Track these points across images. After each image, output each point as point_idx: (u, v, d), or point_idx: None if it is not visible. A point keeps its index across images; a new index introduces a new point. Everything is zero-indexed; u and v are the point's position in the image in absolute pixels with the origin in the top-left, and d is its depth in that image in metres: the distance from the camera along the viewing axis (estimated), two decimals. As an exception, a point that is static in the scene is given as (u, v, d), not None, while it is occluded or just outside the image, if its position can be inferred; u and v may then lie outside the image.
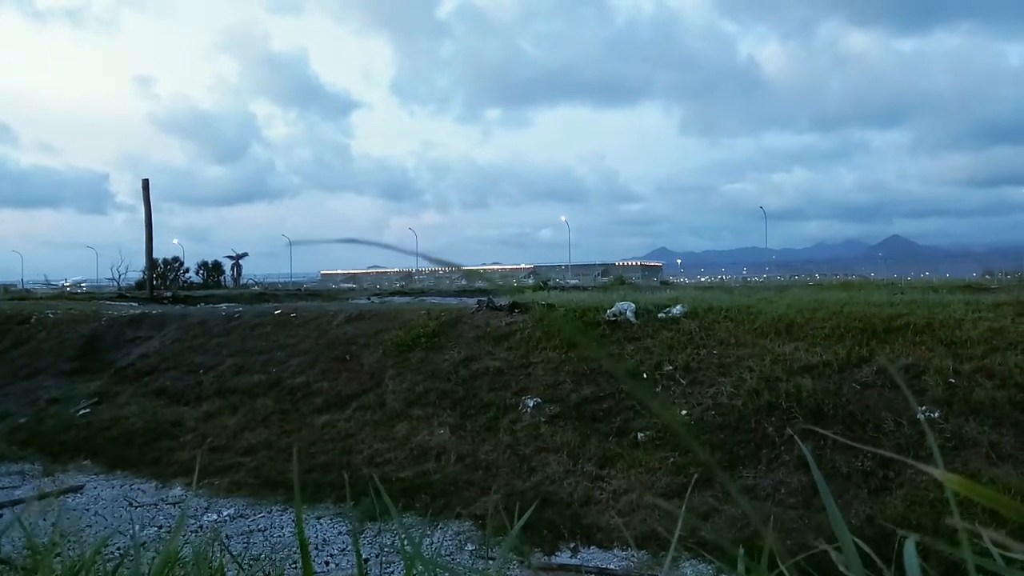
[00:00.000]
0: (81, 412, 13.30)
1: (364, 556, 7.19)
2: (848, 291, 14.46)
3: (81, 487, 10.25)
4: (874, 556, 0.68)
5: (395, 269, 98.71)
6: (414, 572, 0.95)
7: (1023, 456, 7.47)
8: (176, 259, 54.80)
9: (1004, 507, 0.49)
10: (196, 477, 9.86)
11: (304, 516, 8.57)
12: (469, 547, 7.77)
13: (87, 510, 9.35)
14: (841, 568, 0.63)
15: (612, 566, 7.20)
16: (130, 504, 9.49)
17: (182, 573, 1.52)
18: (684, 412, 9.23)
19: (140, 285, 36.40)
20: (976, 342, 9.17)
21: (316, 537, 8.09)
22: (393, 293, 30.72)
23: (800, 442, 8.10)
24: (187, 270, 55.11)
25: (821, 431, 7.85)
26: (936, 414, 8.10)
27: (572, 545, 7.65)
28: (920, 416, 8.12)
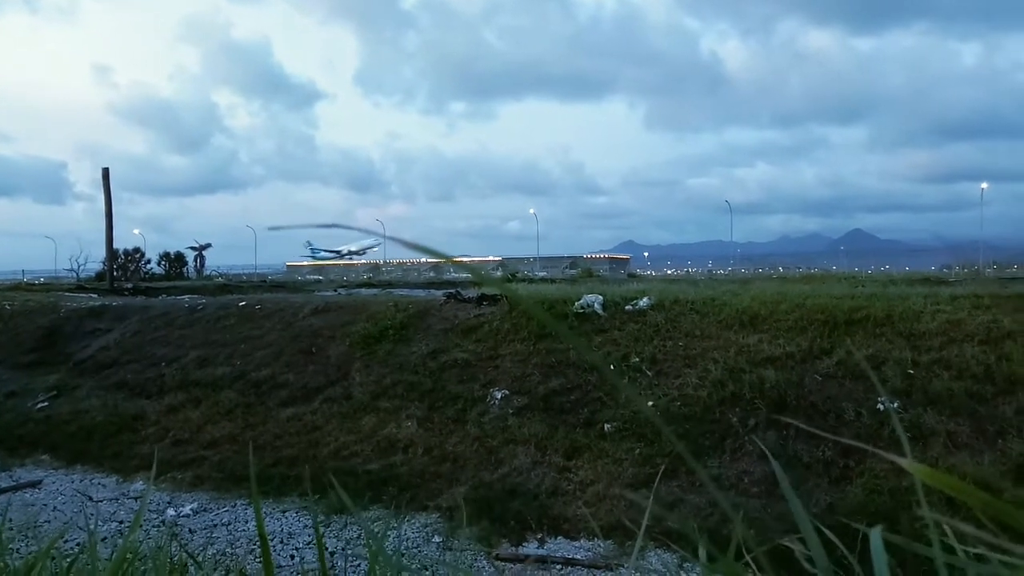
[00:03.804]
0: (39, 406, 13.01)
1: (330, 549, 7.15)
2: (810, 284, 14.69)
3: (39, 482, 10.04)
4: (842, 547, 0.69)
5: (362, 261, 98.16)
6: (377, 565, 0.94)
7: (979, 445, 7.66)
8: (137, 250, 53.79)
9: (967, 495, 0.50)
10: (154, 471, 9.71)
11: (270, 510, 8.49)
12: (436, 539, 7.76)
13: (45, 505, 9.16)
14: (807, 565, 0.63)
15: (579, 556, 7.25)
16: (89, 499, 9.32)
17: (142, 568, 1.49)
18: (650, 403, 9.31)
19: (100, 276, 35.65)
20: (934, 334, 9.38)
21: (282, 530, 8.02)
22: (360, 285, 30.50)
23: (762, 435, 8.22)
24: (148, 261, 54.11)
25: (790, 420, 7.98)
26: (895, 404, 8.28)
27: (539, 536, 7.68)
28: (881, 406, 8.29)
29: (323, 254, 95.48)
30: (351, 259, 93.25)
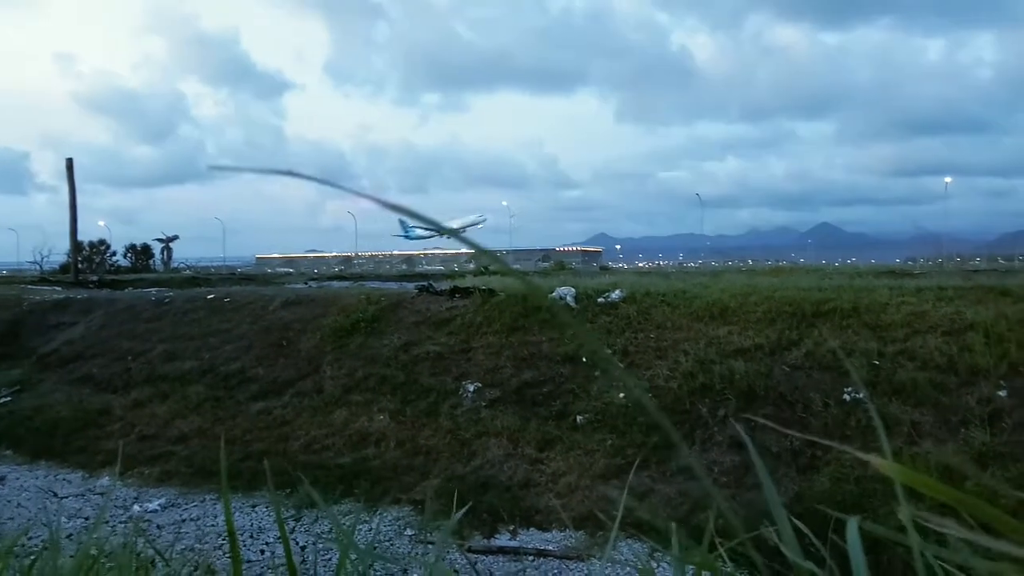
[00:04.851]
0: (2, 400, 12.74)
1: (301, 544, 7.10)
2: (779, 276, 14.88)
3: (2, 478, 9.84)
4: (812, 537, 0.69)
5: (333, 253, 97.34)
6: (348, 560, 0.93)
7: (942, 435, 7.82)
8: (102, 242, 52.70)
9: (940, 493, 0.50)
10: (119, 465, 9.57)
11: (239, 504, 8.41)
12: (408, 532, 7.75)
13: (8, 502, 8.99)
14: (785, 552, 0.63)
15: (551, 547, 7.29)
16: (54, 495, 9.16)
17: (108, 565, 1.46)
18: (622, 395, 9.37)
19: (64, 269, 34.95)
20: (899, 325, 9.54)
21: (252, 525, 7.95)
22: (331, 278, 30.30)
23: (731, 426, 8.31)
24: (114, 253, 53.08)
25: (755, 418, 8.07)
26: (861, 395, 8.41)
27: (511, 528, 7.70)
28: (848, 396, 8.43)
29: (418, 233, 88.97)
30: (449, 238, 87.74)
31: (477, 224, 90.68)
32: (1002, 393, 8.08)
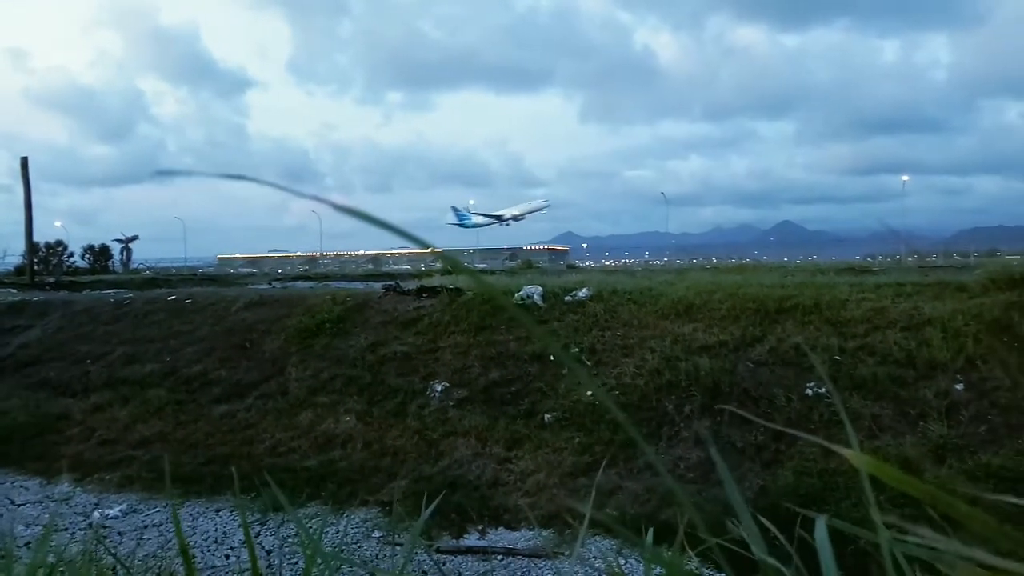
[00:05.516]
0: (-47, 407, 12.37)
1: (267, 548, 7.01)
2: (743, 274, 15.06)
3: (-46, 487, 9.56)
4: (776, 532, 0.70)
5: (298, 253, 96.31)
6: (315, 565, 0.92)
7: (901, 428, 7.99)
8: (59, 242, 51.46)
9: (910, 487, 0.51)
10: (66, 470, 9.35)
11: (203, 509, 8.29)
12: (376, 534, 7.70)
13: (-38, 511, 8.73)
14: (755, 550, 0.64)
15: (519, 546, 7.29)
16: (11, 503, 8.93)
17: (66, 573, 1.42)
18: (589, 393, 9.41)
19: (20, 270, 34.10)
20: (859, 321, 9.73)
21: (216, 530, 7.84)
22: (296, 278, 29.94)
23: (697, 422, 8.40)
24: (72, 254, 51.85)
25: (727, 407, 8.16)
26: (823, 390, 8.56)
27: (480, 527, 7.70)
28: (810, 391, 8.57)
29: (474, 220, 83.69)
30: (508, 224, 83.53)
31: (541, 209, 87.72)
32: (959, 387, 8.28)
